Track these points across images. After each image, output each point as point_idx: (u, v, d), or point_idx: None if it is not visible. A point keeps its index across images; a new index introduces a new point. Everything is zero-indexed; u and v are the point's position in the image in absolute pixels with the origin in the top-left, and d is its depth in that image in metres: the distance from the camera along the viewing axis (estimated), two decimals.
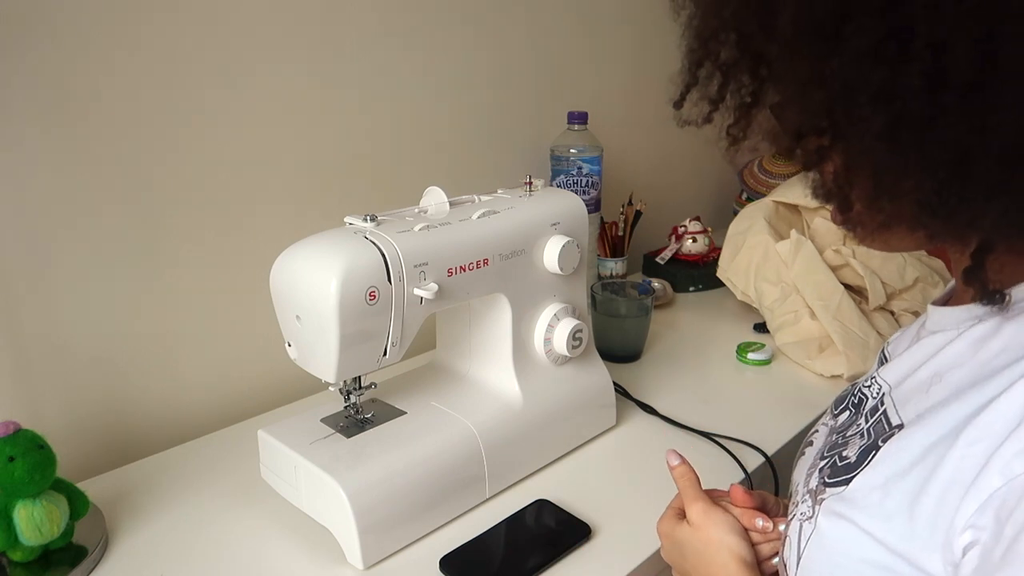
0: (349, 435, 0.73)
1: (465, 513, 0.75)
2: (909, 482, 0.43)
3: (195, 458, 0.85)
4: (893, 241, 0.48)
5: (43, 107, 0.76)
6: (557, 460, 0.84)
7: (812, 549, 0.48)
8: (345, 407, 0.76)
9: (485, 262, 0.75)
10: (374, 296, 0.65)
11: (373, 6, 0.99)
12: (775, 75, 0.45)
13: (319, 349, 0.67)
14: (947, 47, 0.36)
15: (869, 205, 0.45)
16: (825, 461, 0.51)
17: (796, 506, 0.52)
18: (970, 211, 0.40)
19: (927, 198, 0.40)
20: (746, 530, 0.57)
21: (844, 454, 0.49)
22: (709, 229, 1.45)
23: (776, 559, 0.57)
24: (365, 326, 0.66)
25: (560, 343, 0.82)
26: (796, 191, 1.19)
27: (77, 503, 0.69)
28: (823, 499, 0.48)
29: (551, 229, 0.80)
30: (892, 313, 1.12)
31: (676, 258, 1.42)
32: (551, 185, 1.19)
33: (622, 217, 1.33)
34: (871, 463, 0.46)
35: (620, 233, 1.33)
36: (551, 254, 0.79)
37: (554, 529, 0.72)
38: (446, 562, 0.68)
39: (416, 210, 0.76)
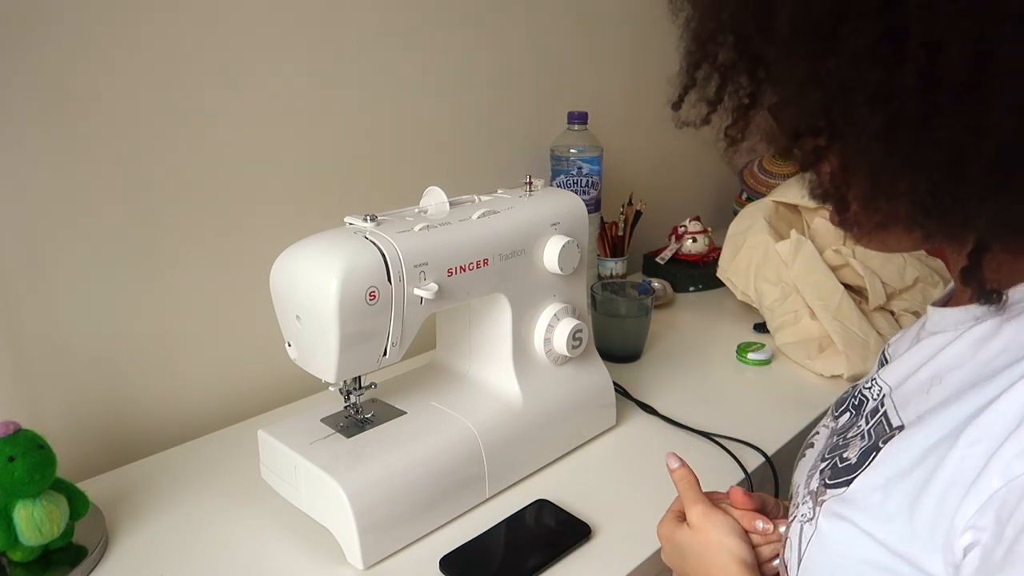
0: (349, 435, 0.73)
1: (465, 513, 0.75)
2: (909, 483, 0.43)
3: (195, 458, 0.85)
4: (890, 241, 0.48)
5: (43, 107, 0.76)
6: (557, 460, 0.84)
7: (813, 550, 0.48)
8: (345, 407, 0.76)
9: (485, 262, 0.75)
10: (374, 296, 0.65)
11: (373, 6, 0.99)
12: (772, 76, 0.45)
13: (319, 349, 0.67)
14: (941, 47, 0.36)
15: (866, 205, 0.45)
16: (826, 463, 0.51)
17: (796, 507, 0.52)
18: (965, 211, 0.40)
19: (922, 198, 0.40)
20: (746, 532, 0.57)
21: (845, 455, 0.49)
22: (709, 229, 1.45)
23: (776, 561, 0.57)
24: (365, 326, 0.66)
25: (560, 343, 0.82)
26: (796, 191, 1.19)
27: (77, 503, 0.69)
28: (823, 500, 0.48)
29: (551, 229, 0.80)
30: (892, 313, 1.12)
31: (676, 258, 1.42)
32: (551, 185, 1.19)
33: (622, 217, 1.33)
34: (871, 464, 0.46)
35: (620, 233, 1.33)
36: (551, 254, 0.79)
37: (554, 529, 0.72)
38: (446, 562, 0.68)
39: (416, 210, 0.76)
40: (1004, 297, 0.44)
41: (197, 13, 0.84)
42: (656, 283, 1.31)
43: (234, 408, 0.96)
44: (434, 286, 0.69)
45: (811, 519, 0.49)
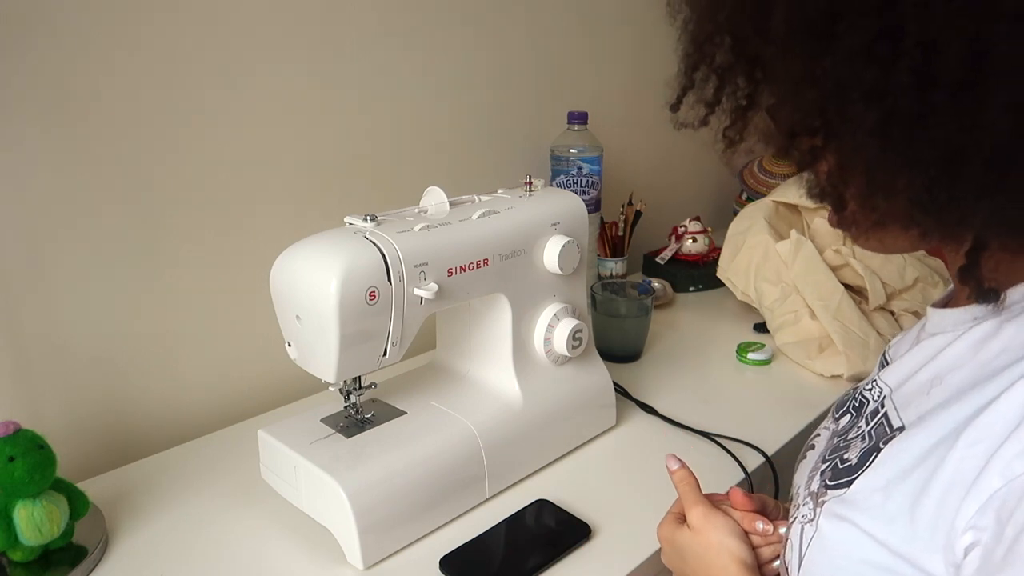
0: (349, 435, 0.73)
1: (465, 513, 0.75)
2: (910, 484, 0.43)
3: (195, 458, 0.85)
4: (888, 240, 0.49)
5: (43, 107, 0.76)
6: (557, 460, 0.84)
7: (814, 551, 0.48)
8: (345, 407, 0.76)
9: (485, 262, 0.75)
10: (374, 296, 0.65)
11: (373, 6, 0.99)
12: (769, 76, 0.45)
13: (319, 349, 0.67)
14: (937, 46, 0.37)
15: (863, 204, 0.45)
16: (826, 464, 0.51)
17: (797, 509, 0.52)
18: (961, 209, 0.40)
19: (919, 195, 0.40)
20: (746, 533, 0.57)
21: (845, 456, 0.49)
22: (709, 229, 1.45)
23: (777, 562, 0.57)
24: (365, 326, 0.66)
25: (560, 343, 0.82)
26: (796, 191, 1.19)
27: (77, 503, 0.69)
28: (824, 501, 0.48)
29: (551, 229, 0.80)
30: (892, 313, 1.12)
31: (676, 258, 1.42)
32: (551, 185, 1.19)
33: (622, 217, 1.33)
34: (872, 465, 0.46)
35: (620, 233, 1.33)
36: (551, 254, 0.79)
37: (554, 529, 0.72)
38: (446, 562, 0.68)
39: (416, 210, 0.76)
40: (1002, 296, 0.44)
41: (197, 13, 0.84)
42: (656, 283, 1.31)
43: (234, 408, 0.96)
44: (434, 286, 0.69)
45: (812, 520, 0.49)
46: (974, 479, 0.39)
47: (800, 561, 0.49)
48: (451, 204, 0.78)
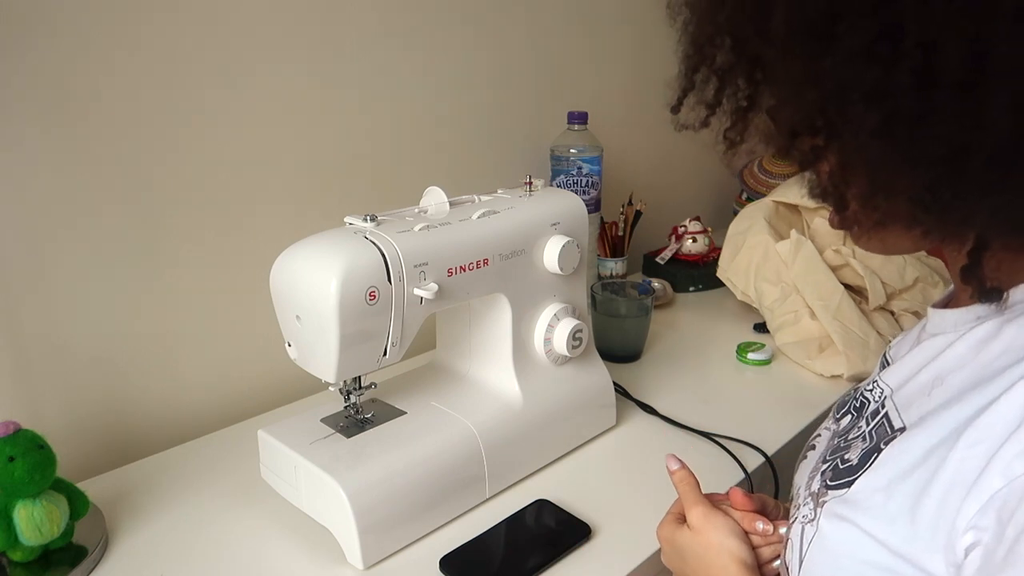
0: (349, 435, 0.73)
1: (465, 513, 0.75)
2: (911, 484, 0.43)
3: (195, 458, 0.85)
4: (890, 240, 0.49)
5: (43, 107, 0.76)
6: (557, 460, 0.84)
7: (814, 551, 0.48)
8: (345, 407, 0.76)
9: (485, 262, 0.75)
10: (374, 296, 0.65)
11: (373, 6, 0.99)
12: (769, 77, 0.45)
13: (319, 349, 0.67)
14: (937, 46, 0.37)
15: (865, 203, 0.45)
16: (827, 464, 0.51)
17: (798, 509, 0.52)
18: (963, 208, 0.40)
19: (920, 195, 0.40)
20: (746, 533, 0.57)
21: (846, 457, 0.49)
22: (709, 229, 1.45)
23: (777, 562, 0.57)
24: (365, 326, 0.66)
25: (560, 343, 0.82)
26: (796, 191, 1.19)
27: (77, 503, 0.69)
28: (825, 502, 0.48)
29: (551, 229, 0.80)
30: (892, 313, 1.12)
31: (676, 258, 1.42)
32: (551, 185, 1.19)
33: (622, 217, 1.33)
34: (873, 465, 0.46)
35: (620, 233, 1.33)
36: (551, 254, 0.79)
37: (554, 529, 0.72)
38: (446, 562, 0.68)
39: (416, 210, 0.76)
40: (1005, 296, 0.44)
41: (197, 13, 0.84)
42: (656, 283, 1.31)
43: (234, 408, 0.96)
44: (434, 286, 0.69)
45: (812, 520, 0.49)
46: (975, 479, 0.39)
47: (801, 561, 0.49)
48: (451, 204, 0.78)
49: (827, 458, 0.52)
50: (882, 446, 0.46)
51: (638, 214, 1.34)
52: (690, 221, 1.44)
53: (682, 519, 0.60)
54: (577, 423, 0.86)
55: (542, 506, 0.75)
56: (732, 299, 1.25)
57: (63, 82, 0.76)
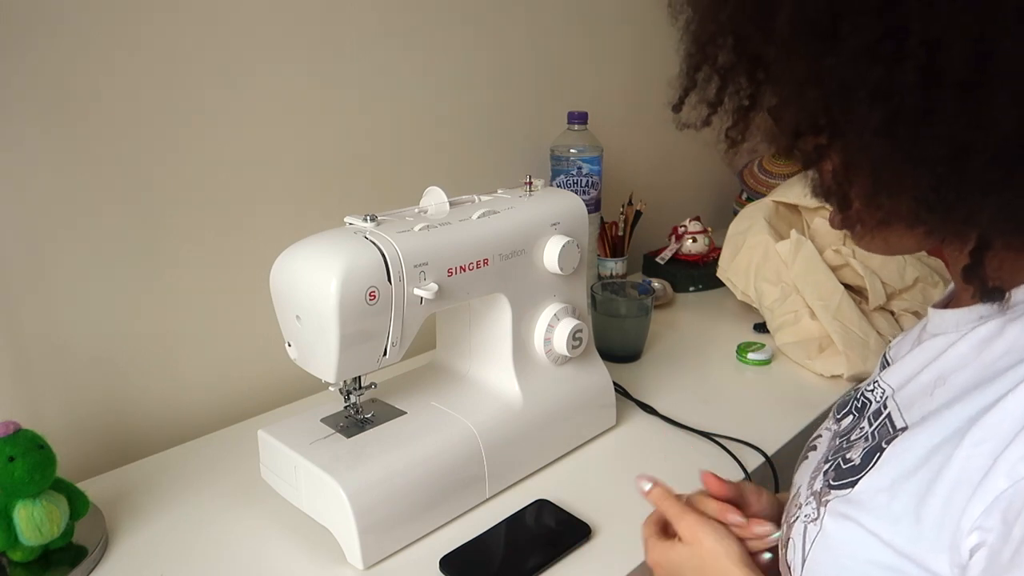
0: (349, 435, 0.73)
1: (465, 513, 0.75)
2: (915, 484, 0.43)
3: (195, 458, 0.85)
4: (892, 239, 0.48)
5: (43, 107, 0.76)
6: (557, 460, 0.84)
7: (818, 551, 0.48)
8: (345, 407, 0.76)
9: (485, 262, 0.75)
10: (374, 296, 0.65)
11: (373, 6, 0.99)
12: (772, 76, 0.45)
13: (319, 349, 0.67)
14: (942, 45, 0.37)
15: (868, 202, 0.45)
16: (829, 464, 0.51)
17: (799, 508, 0.52)
18: (967, 207, 0.40)
19: (924, 194, 0.40)
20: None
21: (848, 457, 0.49)
22: (709, 229, 1.45)
23: (765, 556, 0.57)
24: (365, 326, 0.66)
25: (560, 343, 0.82)
26: (796, 191, 1.19)
27: (77, 503, 0.69)
28: (828, 501, 0.48)
29: (551, 229, 0.80)
30: (892, 313, 1.12)
31: (676, 258, 1.42)
32: (551, 185, 1.19)
33: (622, 217, 1.33)
34: (876, 465, 0.46)
35: (620, 233, 1.33)
36: (551, 254, 0.79)
37: (554, 529, 0.72)
38: (446, 562, 0.68)
39: (416, 210, 0.76)
40: (1008, 295, 0.44)
41: (197, 13, 0.84)
42: (656, 283, 1.31)
43: (234, 408, 0.96)
44: (434, 286, 0.69)
45: (815, 519, 0.49)
46: (980, 479, 0.39)
47: (804, 560, 0.49)
48: (451, 204, 0.78)
49: (829, 458, 0.52)
50: (884, 445, 0.46)
51: (638, 214, 1.34)
52: (690, 221, 1.44)
53: (664, 534, 0.59)
54: (577, 423, 0.86)
55: (542, 506, 0.75)
56: (732, 299, 1.25)
57: (63, 82, 0.76)
